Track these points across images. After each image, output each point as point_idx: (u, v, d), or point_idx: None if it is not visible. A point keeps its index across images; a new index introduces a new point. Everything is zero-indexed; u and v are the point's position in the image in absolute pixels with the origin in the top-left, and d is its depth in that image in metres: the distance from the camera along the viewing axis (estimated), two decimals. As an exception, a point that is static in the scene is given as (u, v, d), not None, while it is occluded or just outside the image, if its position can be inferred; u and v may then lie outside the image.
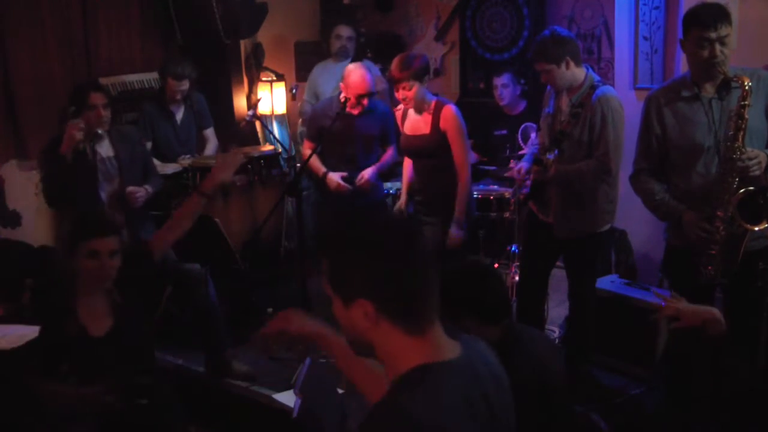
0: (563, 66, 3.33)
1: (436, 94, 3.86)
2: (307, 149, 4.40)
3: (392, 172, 5.47)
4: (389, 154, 4.37)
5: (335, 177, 4.22)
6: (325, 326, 1.81)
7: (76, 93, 3.77)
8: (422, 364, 1.36)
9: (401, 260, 1.37)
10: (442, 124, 3.74)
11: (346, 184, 4.19)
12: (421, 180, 3.99)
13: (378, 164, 4.30)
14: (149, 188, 4.01)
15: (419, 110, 3.83)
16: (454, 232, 3.80)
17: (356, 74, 4.07)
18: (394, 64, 3.75)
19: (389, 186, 4.77)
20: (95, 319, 2.71)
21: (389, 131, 4.33)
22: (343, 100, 4.09)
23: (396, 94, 3.81)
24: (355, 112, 4.13)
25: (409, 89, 3.69)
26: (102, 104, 3.69)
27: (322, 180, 4.27)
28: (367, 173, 4.21)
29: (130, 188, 3.89)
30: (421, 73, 3.70)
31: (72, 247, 2.66)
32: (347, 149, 4.23)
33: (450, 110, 3.74)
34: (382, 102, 4.54)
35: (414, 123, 3.89)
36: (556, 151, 3.38)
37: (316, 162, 4.31)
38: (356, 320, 1.39)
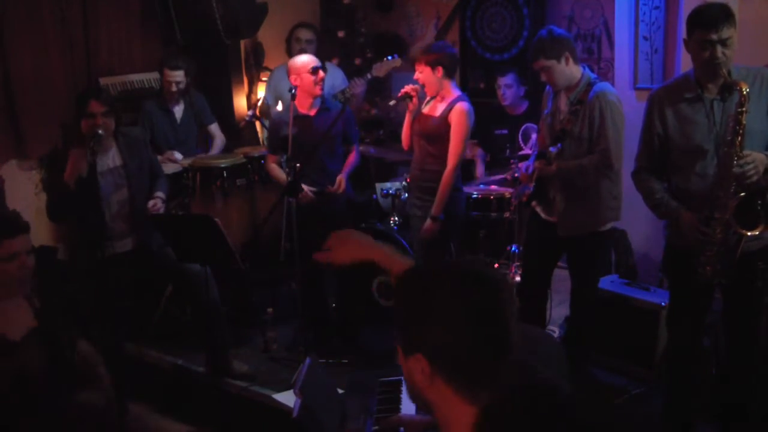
0: (563, 62, 3.36)
1: (463, 91, 3.99)
2: (271, 162, 4.38)
3: (393, 171, 5.45)
4: (354, 156, 4.36)
5: (306, 188, 4.14)
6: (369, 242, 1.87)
7: (78, 98, 3.72)
8: None
9: (469, 321, 1.23)
10: (450, 116, 3.86)
11: (311, 195, 4.14)
12: (416, 166, 4.05)
13: (346, 169, 4.28)
14: (162, 195, 3.93)
15: (432, 95, 3.96)
16: (427, 223, 3.90)
17: (297, 58, 4.22)
18: (424, 45, 4.00)
19: (388, 186, 4.77)
20: (12, 324, 2.64)
21: (351, 128, 4.34)
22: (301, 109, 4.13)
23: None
24: (312, 113, 4.19)
25: (421, 72, 3.89)
26: (100, 113, 3.59)
27: (288, 188, 3.96)
28: (343, 179, 4.22)
29: (149, 204, 3.82)
30: (435, 62, 3.84)
31: None
32: (312, 152, 4.06)
33: (462, 107, 3.85)
34: (339, 103, 4.48)
35: (432, 105, 4.01)
36: (559, 145, 3.41)
37: (277, 171, 4.33)
38: (413, 374, 1.29)
